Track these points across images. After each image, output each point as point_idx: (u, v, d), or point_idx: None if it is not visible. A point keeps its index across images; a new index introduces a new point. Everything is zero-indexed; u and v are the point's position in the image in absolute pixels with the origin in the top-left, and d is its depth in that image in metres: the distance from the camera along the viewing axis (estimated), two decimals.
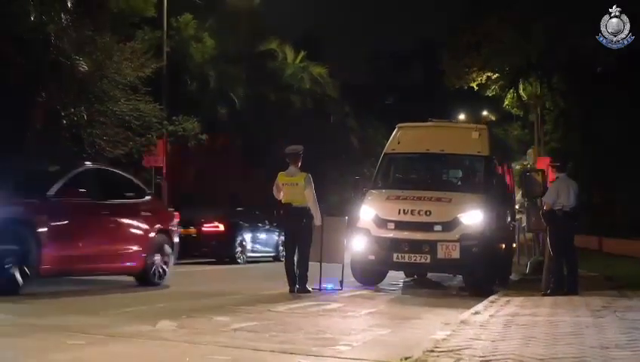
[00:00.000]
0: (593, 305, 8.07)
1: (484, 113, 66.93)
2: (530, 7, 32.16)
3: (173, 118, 22.87)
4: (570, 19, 31.55)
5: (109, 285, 10.26)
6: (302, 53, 31.28)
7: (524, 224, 18.94)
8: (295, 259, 10.60)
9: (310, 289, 10.57)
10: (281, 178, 10.57)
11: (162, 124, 22.24)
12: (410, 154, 13.50)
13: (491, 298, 9.22)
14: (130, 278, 10.55)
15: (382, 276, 12.86)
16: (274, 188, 10.67)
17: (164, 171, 22.81)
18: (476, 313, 7.00)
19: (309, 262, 10.68)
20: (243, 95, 25.80)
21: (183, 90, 24.31)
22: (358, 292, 11.04)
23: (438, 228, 11.64)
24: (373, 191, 12.72)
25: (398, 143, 13.33)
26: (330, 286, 11.19)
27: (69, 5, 17.23)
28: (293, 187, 10.46)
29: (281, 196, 10.56)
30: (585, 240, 37.02)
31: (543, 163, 19.62)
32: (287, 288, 10.53)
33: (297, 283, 10.48)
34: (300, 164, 10.59)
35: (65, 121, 17.81)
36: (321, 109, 31.11)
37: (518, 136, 67.50)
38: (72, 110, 18.07)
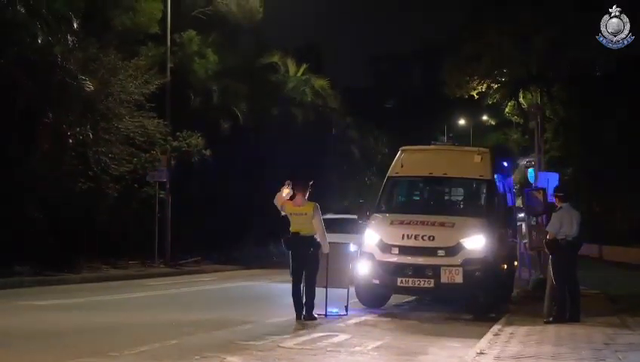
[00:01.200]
0: (595, 340, 8.25)
1: (484, 117, 67.04)
2: (530, 19, 32.40)
3: (177, 133, 23.10)
4: (570, 30, 31.78)
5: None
6: (304, 66, 31.50)
7: (525, 240, 19.13)
8: (302, 286, 10.76)
9: (316, 316, 10.75)
10: (289, 208, 10.74)
11: (166, 140, 22.50)
12: (413, 177, 13.73)
13: (495, 328, 9.40)
14: None
15: (386, 298, 13.07)
16: (275, 200, 10.76)
17: (168, 186, 23.03)
18: (481, 353, 7.17)
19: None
20: (246, 109, 26.00)
21: (187, 106, 24.50)
22: (363, 318, 11.22)
23: (441, 253, 11.86)
24: (378, 215, 12.91)
25: (402, 167, 13.51)
26: (335, 310, 11.38)
27: (75, 26, 17.48)
28: (302, 216, 10.63)
29: (284, 211, 10.71)
30: (585, 247, 37.12)
31: (544, 178, 19.78)
32: (293, 313, 10.71)
33: (304, 311, 10.66)
34: (307, 194, 10.77)
35: (71, 141, 18.03)
36: (323, 122, 31.31)
37: (517, 140, 67.61)
38: (78, 129, 18.31)
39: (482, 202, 13.21)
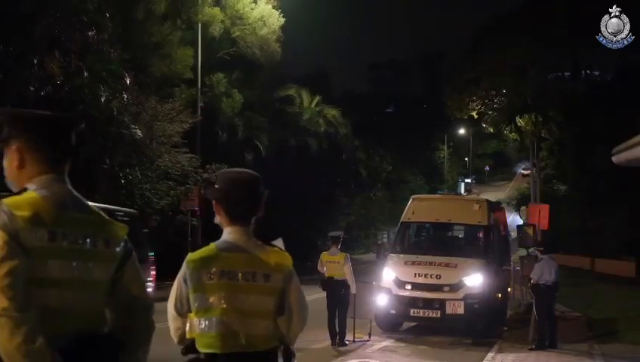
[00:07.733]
0: None
1: (484, 125, 69.59)
2: (526, 50, 34.97)
3: (207, 166, 25.77)
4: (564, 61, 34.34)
5: None
6: (317, 98, 34.15)
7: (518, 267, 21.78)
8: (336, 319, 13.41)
9: (347, 342, 13.42)
10: (325, 257, 13.41)
11: (197, 172, 25.19)
12: (422, 222, 16.48)
13: (489, 356, 12.07)
14: None
15: (400, 324, 15.78)
16: (318, 264, 13.50)
17: (199, 214, 25.68)
18: None
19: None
20: (267, 141, 28.66)
21: (215, 141, 27.14)
22: (384, 344, 13.84)
23: (446, 289, 14.54)
24: (393, 255, 15.61)
25: (413, 213, 16.25)
26: (360, 336, 14.05)
27: (128, 83, 20.13)
28: (335, 264, 13.29)
29: (324, 270, 13.40)
30: (578, 260, 39.73)
31: (536, 210, 22.30)
32: (328, 338, 13.36)
33: (337, 338, 13.33)
34: (340, 245, 13.42)
35: (123, 181, 20.68)
36: (334, 148, 33.94)
37: (515, 146, 70.15)
38: (127, 170, 20.97)
39: (480, 244, 15.88)
